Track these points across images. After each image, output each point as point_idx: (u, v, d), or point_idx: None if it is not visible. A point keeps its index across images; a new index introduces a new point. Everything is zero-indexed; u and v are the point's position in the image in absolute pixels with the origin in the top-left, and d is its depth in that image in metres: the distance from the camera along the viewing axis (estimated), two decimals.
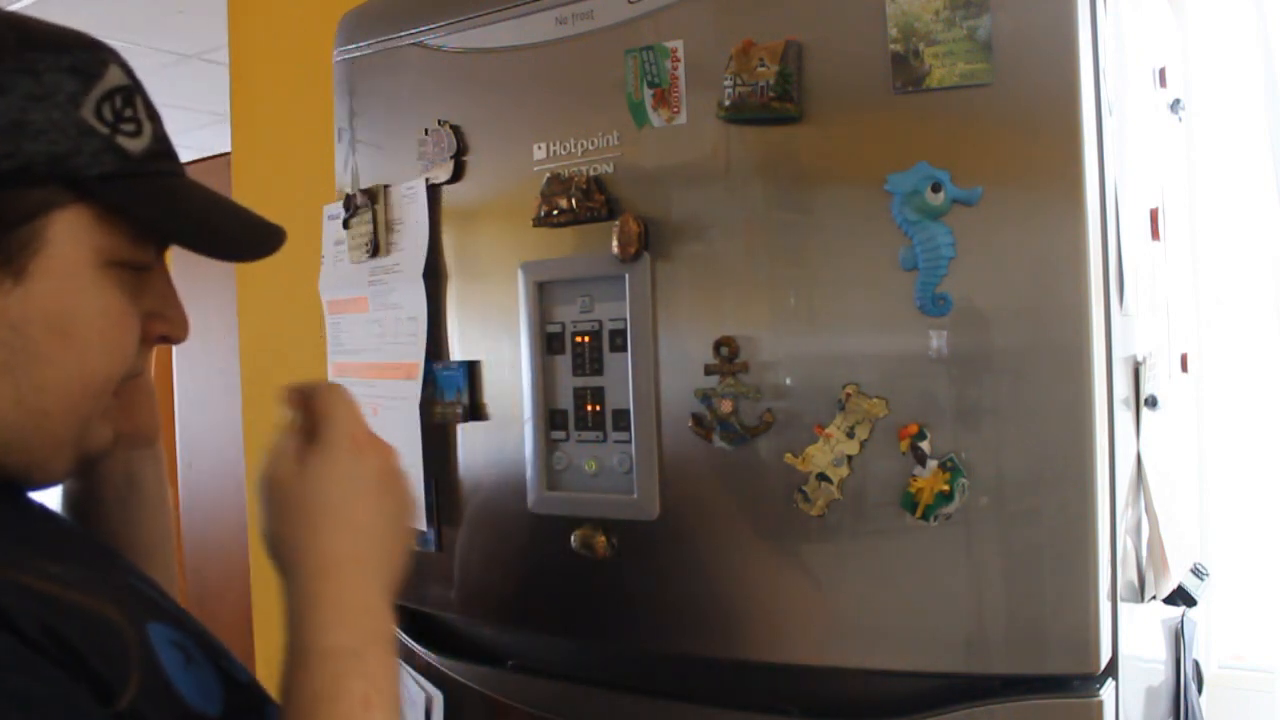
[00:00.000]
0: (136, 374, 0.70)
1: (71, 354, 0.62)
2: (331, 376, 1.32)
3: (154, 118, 0.66)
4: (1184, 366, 1.28)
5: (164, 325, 0.69)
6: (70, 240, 0.61)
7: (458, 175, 1.16)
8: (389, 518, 0.71)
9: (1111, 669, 0.87)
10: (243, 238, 0.70)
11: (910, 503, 0.88)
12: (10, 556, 0.58)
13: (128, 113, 0.63)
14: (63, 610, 0.56)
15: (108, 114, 0.62)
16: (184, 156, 0.71)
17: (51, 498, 0.76)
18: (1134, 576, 0.98)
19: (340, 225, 1.27)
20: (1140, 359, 0.99)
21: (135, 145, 0.63)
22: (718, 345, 0.97)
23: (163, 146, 0.66)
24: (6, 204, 0.59)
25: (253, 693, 0.68)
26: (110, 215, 0.62)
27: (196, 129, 3.68)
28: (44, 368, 0.61)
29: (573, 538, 1.04)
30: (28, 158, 0.58)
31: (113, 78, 0.63)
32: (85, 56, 0.62)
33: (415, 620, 1.25)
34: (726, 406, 0.96)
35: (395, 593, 0.70)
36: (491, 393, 1.15)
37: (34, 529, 0.66)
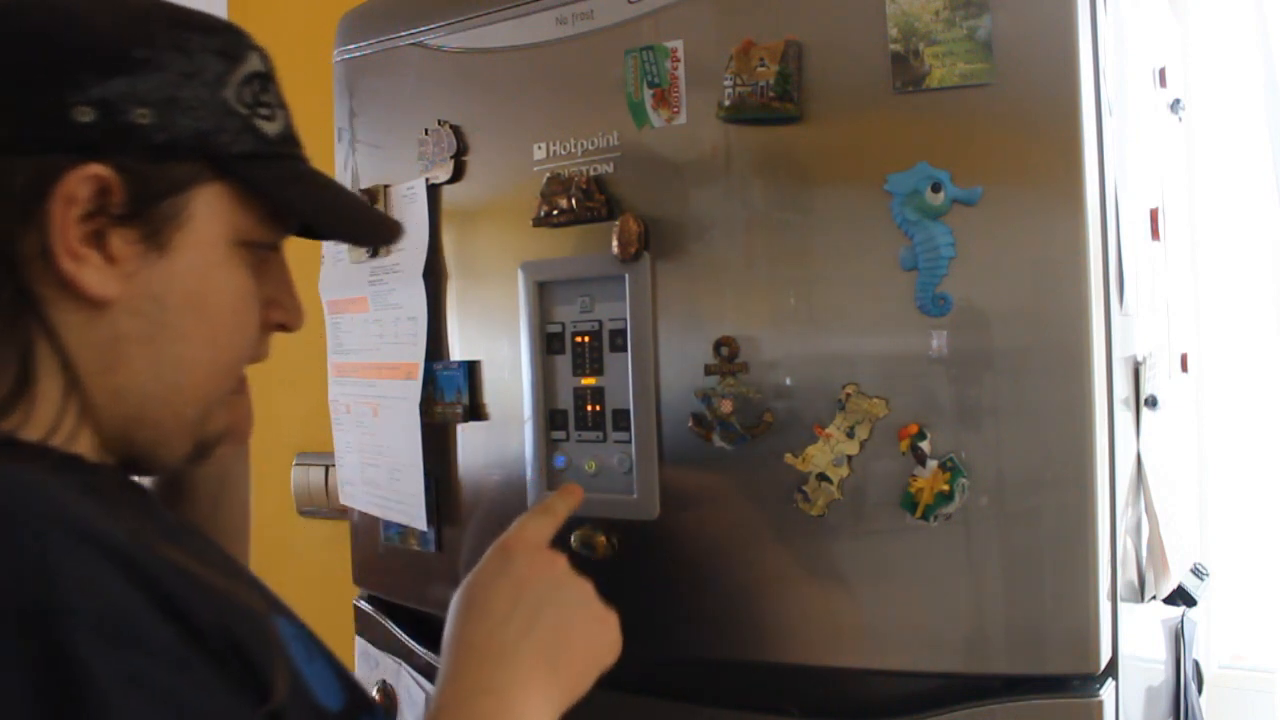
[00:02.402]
0: (258, 360, 0.72)
1: (206, 329, 0.64)
2: (331, 376, 1.32)
3: (284, 105, 0.69)
4: (1184, 366, 1.28)
5: (281, 313, 0.71)
6: (210, 216, 0.63)
7: (458, 175, 1.16)
8: (532, 611, 0.71)
9: (1111, 669, 0.87)
10: (368, 224, 0.74)
11: (910, 503, 0.88)
12: (174, 539, 0.59)
13: (264, 97, 0.66)
14: (225, 602, 0.56)
15: (247, 97, 0.64)
16: None
17: None
18: (1134, 576, 0.98)
19: None
20: (1140, 359, 0.99)
21: (271, 129, 0.66)
22: (718, 345, 0.97)
23: (293, 133, 0.69)
24: (156, 176, 0.61)
25: (361, 689, 0.69)
26: (246, 194, 0.65)
27: None
28: (180, 342, 0.63)
29: (573, 538, 1.04)
30: (177, 133, 0.60)
31: (252, 63, 0.66)
32: (230, 40, 0.65)
33: (415, 620, 1.25)
34: (726, 406, 0.96)
35: (560, 698, 0.70)
36: (491, 393, 1.15)
37: (167, 516, 0.67)
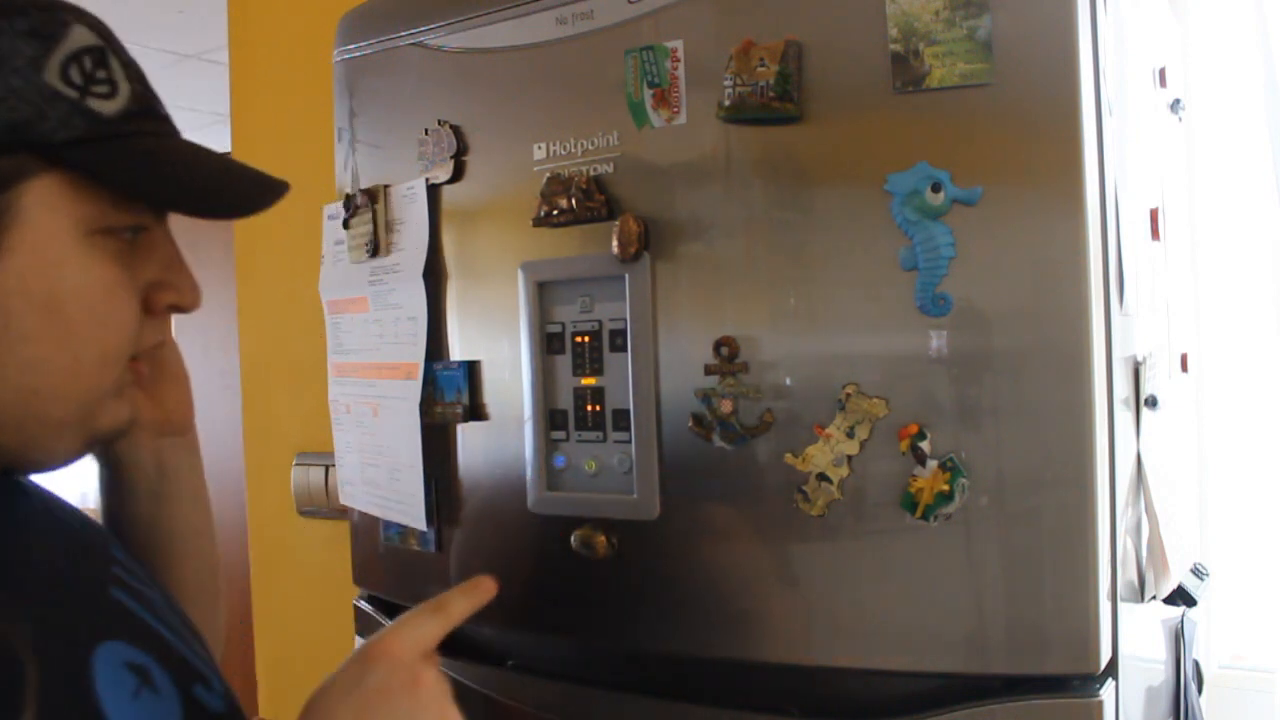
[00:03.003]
0: (150, 346, 0.67)
1: (57, 330, 0.60)
2: (331, 376, 1.32)
3: (134, 78, 0.63)
4: (1184, 366, 1.28)
5: (171, 294, 0.66)
6: (46, 211, 0.59)
7: (458, 175, 1.16)
8: None
9: (1111, 669, 0.87)
10: (232, 194, 0.66)
11: (910, 503, 0.88)
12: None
13: (100, 74, 0.60)
14: None
15: (76, 76, 0.59)
16: None
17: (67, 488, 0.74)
18: (1134, 576, 0.98)
19: (340, 225, 1.27)
20: (1140, 359, 0.99)
21: (109, 107, 0.60)
22: (718, 345, 0.97)
23: (144, 106, 0.63)
24: None
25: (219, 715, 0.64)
26: (86, 182, 0.60)
27: (197, 129, 3.68)
28: (30, 345, 0.59)
29: (573, 538, 1.04)
30: None
31: (78, 38, 0.60)
32: (43, 18, 0.59)
33: None
34: (726, 406, 0.96)
35: None
36: (491, 393, 1.15)
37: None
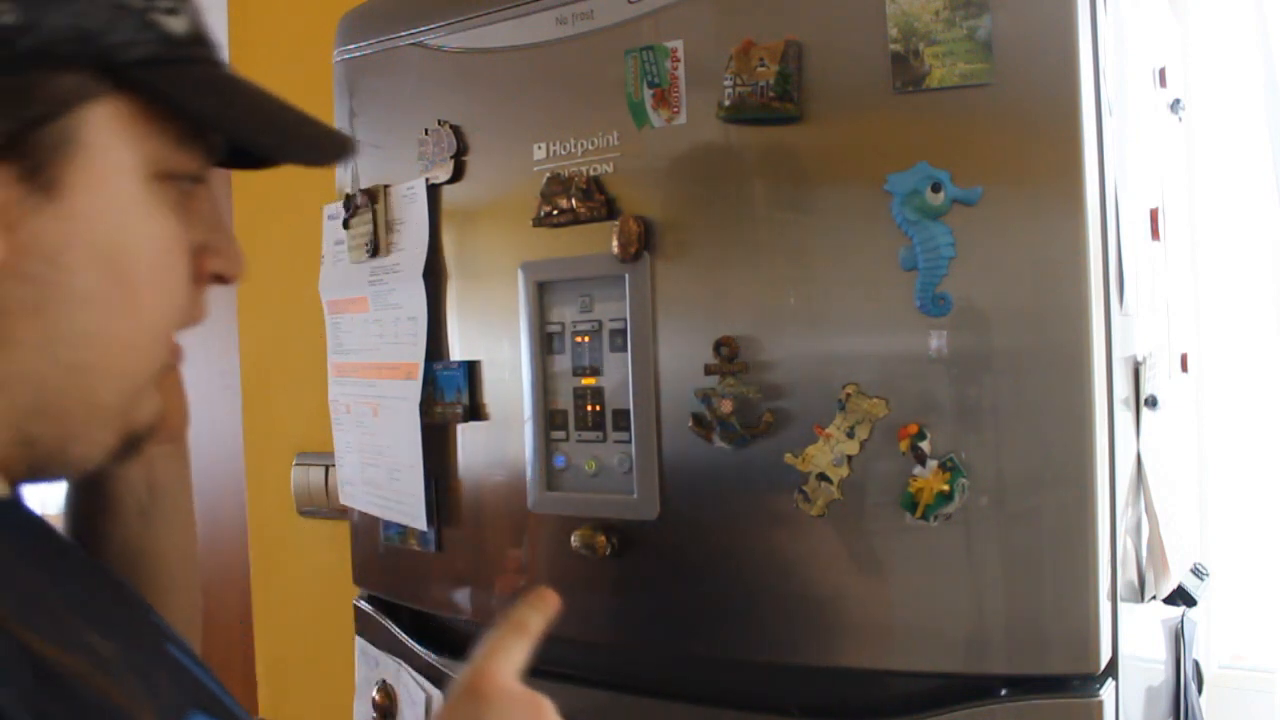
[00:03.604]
0: (193, 323, 0.57)
1: (120, 291, 0.50)
2: (331, 376, 1.32)
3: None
4: (1184, 366, 1.28)
5: (218, 260, 0.56)
6: (112, 143, 0.49)
7: (458, 175, 1.16)
8: None
9: (1111, 669, 0.87)
10: (311, 139, 0.57)
11: (910, 503, 0.88)
12: (44, 612, 0.46)
13: None
14: (81, 701, 0.44)
15: None
16: None
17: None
18: (1134, 576, 0.98)
19: (340, 225, 1.27)
20: (1140, 359, 0.99)
21: (177, 25, 0.51)
22: (718, 345, 0.97)
23: (204, 32, 0.54)
24: (29, 92, 0.46)
25: None
26: (155, 111, 0.50)
27: None
28: (86, 309, 0.49)
29: (573, 538, 1.04)
30: (50, 32, 0.46)
31: None
32: None
33: (415, 620, 1.25)
34: (726, 406, 0.96)
35: None
36: (491, 393, 1.15)
37: (47, 561, 0.52)
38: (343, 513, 1.38)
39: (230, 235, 0.57)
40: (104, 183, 0.49)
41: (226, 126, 0.54)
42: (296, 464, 1.97)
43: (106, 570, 0.62)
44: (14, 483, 0.52)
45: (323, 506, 1.94)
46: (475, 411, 1.16)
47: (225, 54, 0.57)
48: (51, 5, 0.46)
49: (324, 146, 0.58)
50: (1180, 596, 1.07)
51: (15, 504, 0.52)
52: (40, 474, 0.53)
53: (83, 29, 0.47)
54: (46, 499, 0.59)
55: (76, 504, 0.70)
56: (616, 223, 1.01)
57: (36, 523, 0.54)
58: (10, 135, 0.46)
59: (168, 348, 0.55)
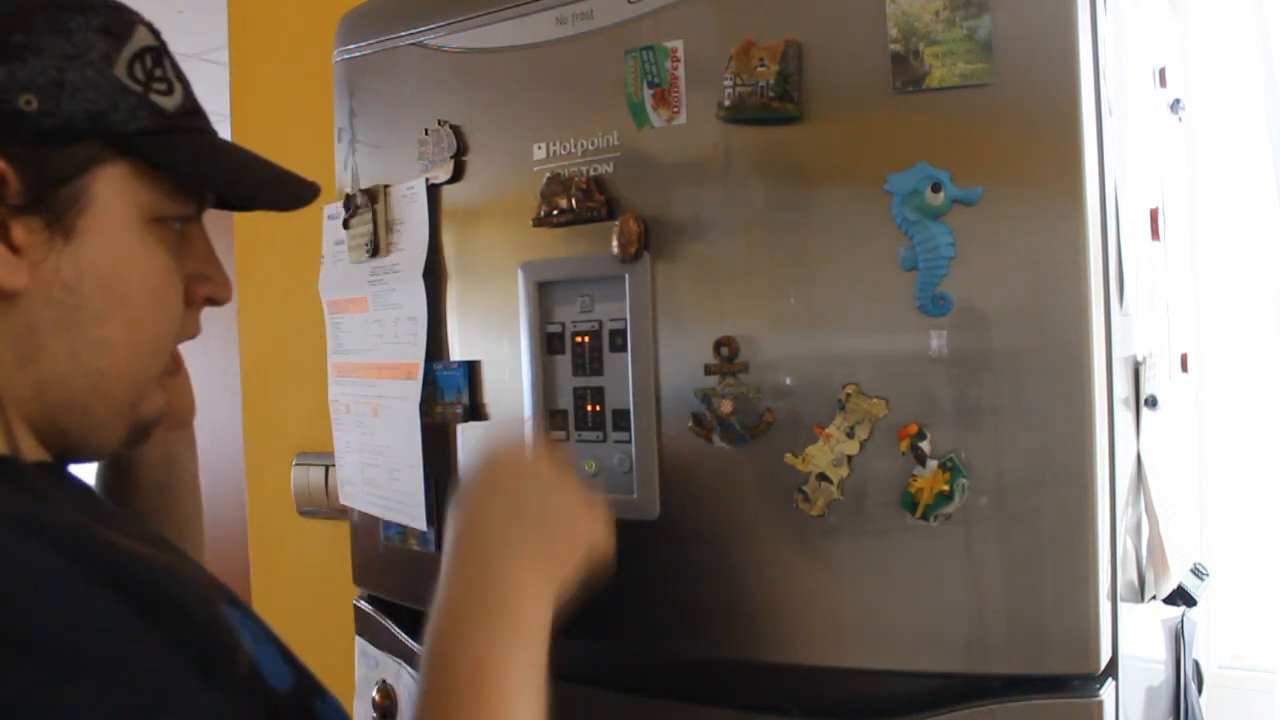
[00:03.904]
0: (188, 337, 0.71)
1: (124, 311, 0.64)
2: (331, 376, 1.32)
3: (182, 79, 0.68)
4: (1184, 366, 1.28)
5: (208, 286, 0.71)
6: (115, 196, 0.63)
7: (458, 175, 1.16)
8: (516, 513, 0.74)
9: (1111, 669, 0.87)
10: (280, 189, 0.72)
11: (910, 503, 0.88)
12: (114, 522, 0.60)
13: (158, 72, 0.65)
14: (173, 583, 0.56)
15: (139, 73, 0.64)
16: None
17: None
18: (1134, 576, 0.98)
19: (340, 225, 1.27)
20: (1140, 359, 0.99)
21: (169, 103, 0.65)
22: (718, 345, 0.97)
23: (193, 105, 0.68)
24: (52, 161, 0.60)
25: (308, 673, 0.69)
26: (150, 171, 0.64)
27: None
28: (98, 326, 0.63)
29: None
30: (67, 115, 0.60)
31: (141, 38, 0.65)
32: (112, 17, 0.64)
33: (415, 620, 1.25)
34: (726, 406, 0.96)
35: (552, 578, 0.74)
36: (491, 393, 1.15)
37: (109, 509, 0.68)
38: (343, 513, 1.38)
39: (219, 266, 0.72)
40: (109, 228, 0.63)
41: (208, 182, 0.69)
42: (296, 464, 1.97)
43: (131, 514, 0.79)
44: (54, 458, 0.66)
45: (323, 506, 1.94)
46: (475, 411, 1.16)
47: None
48: (66, 93, 0.60)
49: (290, 195, 0.73)
50: (1180, 596, 1.07)
51: (61, 466, 0.67)
52: (69, 456, 0.67)
53: (91, 110, 0.61)
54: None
55: (105, 478, 0.87)
56: (616, 223, 1.01)
57: (76, 481, 0.68)
58: (36, 193, 0.60)
59: (167, 356, 0.69)
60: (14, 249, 0.60)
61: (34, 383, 0.62)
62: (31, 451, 0.63)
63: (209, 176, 0.68)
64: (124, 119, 0.62)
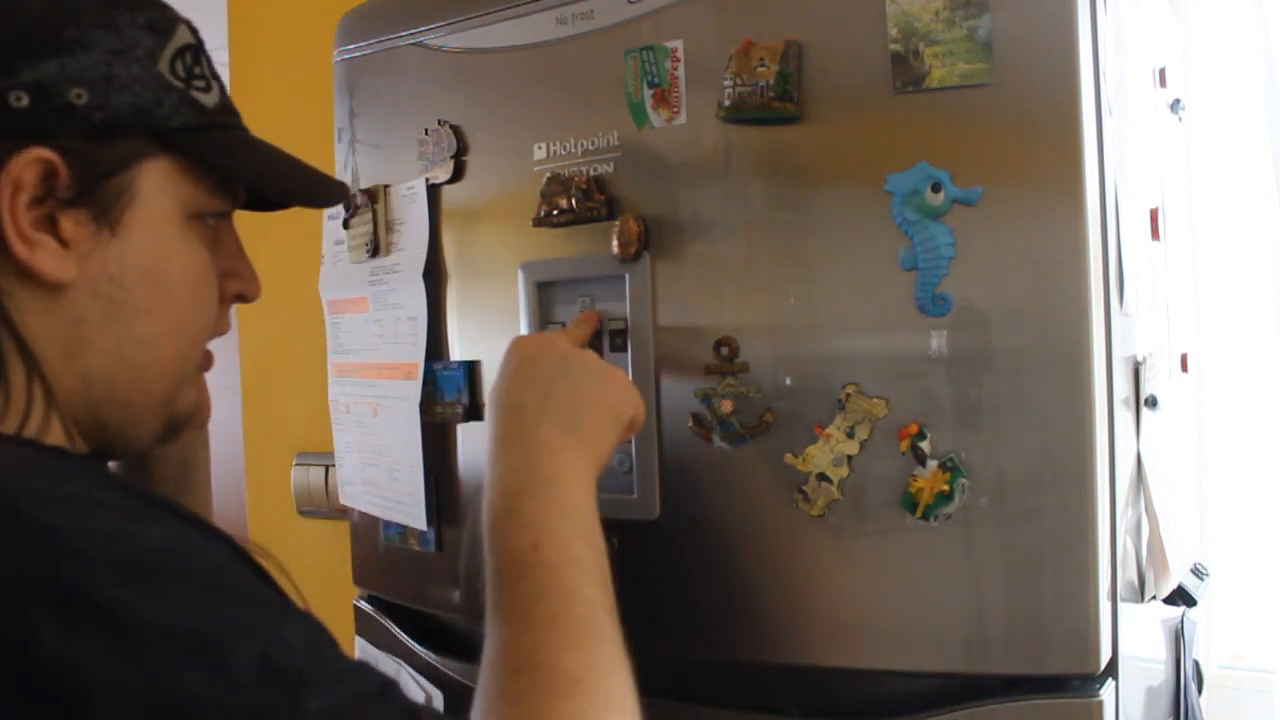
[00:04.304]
0: (220, 334, 0.73)
1: (167, 306, 0.65)
2: (331, 376, 1.32)
3: (218, 77, 0.69)
4: (1184, 366, 1.28)
5: (239, 283, 0.72)
6: (159, 191, 0.64)
7: (458, 175, 1.16)
8: (545, 390, 0.78)
9: (1111, 669, 0.87)
10: (312, 187, 0.74)
11: (910, 503, 0.88)
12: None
13: (197, 69, 0.66)
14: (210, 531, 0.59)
15: (181, 70, 0.65)
16: None
17: None
18: (1134, 576, 0.98)
19: (340, 225, 1.27)
20: (1140, 359, 0.99)
21: (208, 100, 0.66)
22: (718, 345, 0.97)
23: (229, 103, 0.69)
24: (99, 155, 0.61)
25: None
26: (191, 167, 0.65)
27: None
28: (142, 320, 0.64)
29: None
30: (116, 110, 0.61)
31: (182, 35, 0.66)
32: (158, 14, 0.65)
33: (415, 620, 1.25)
34: (726, 406, 0.96)
35: (587, 451, 0.78)
36: None
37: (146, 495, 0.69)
38: (343, 513, 1.38)
39: (249, 263, 0.73)
40: (153, 222, 0.64)
41: (247, 179, 0.70)
42: (296, 464, 1.97)
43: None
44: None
45: (323, 506, 1.94)
46: (475, 411, 1.16)
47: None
48: (114, 88, 0.61)
49: (323, 192, 0.75)
50: (1180, 596, 1.07)
51: (98, 458, 0.68)
52: (104, 453, 0.68)
53: (138, 105, 0.62)
54: None
55: (124, 476, 0.86)
56: (616, 223, 1.01)
57: (107, 472, 0.68)
58: (84, 186, 0.60)
59: (203, 352, 0.70)
60: (63, 241, 0.60)
61: (79, 376, 0.62)
62: (69, 444, 0.64)
63: (248, 173, 0.69)
64: (168, 115, 0.63)
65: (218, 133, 0.67)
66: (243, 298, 0.73)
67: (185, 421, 0.71)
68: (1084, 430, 0.84)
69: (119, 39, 0.61)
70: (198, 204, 0.66)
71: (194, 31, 0.67)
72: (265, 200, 0.75)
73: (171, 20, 0.65)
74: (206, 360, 0.74)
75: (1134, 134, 1.02)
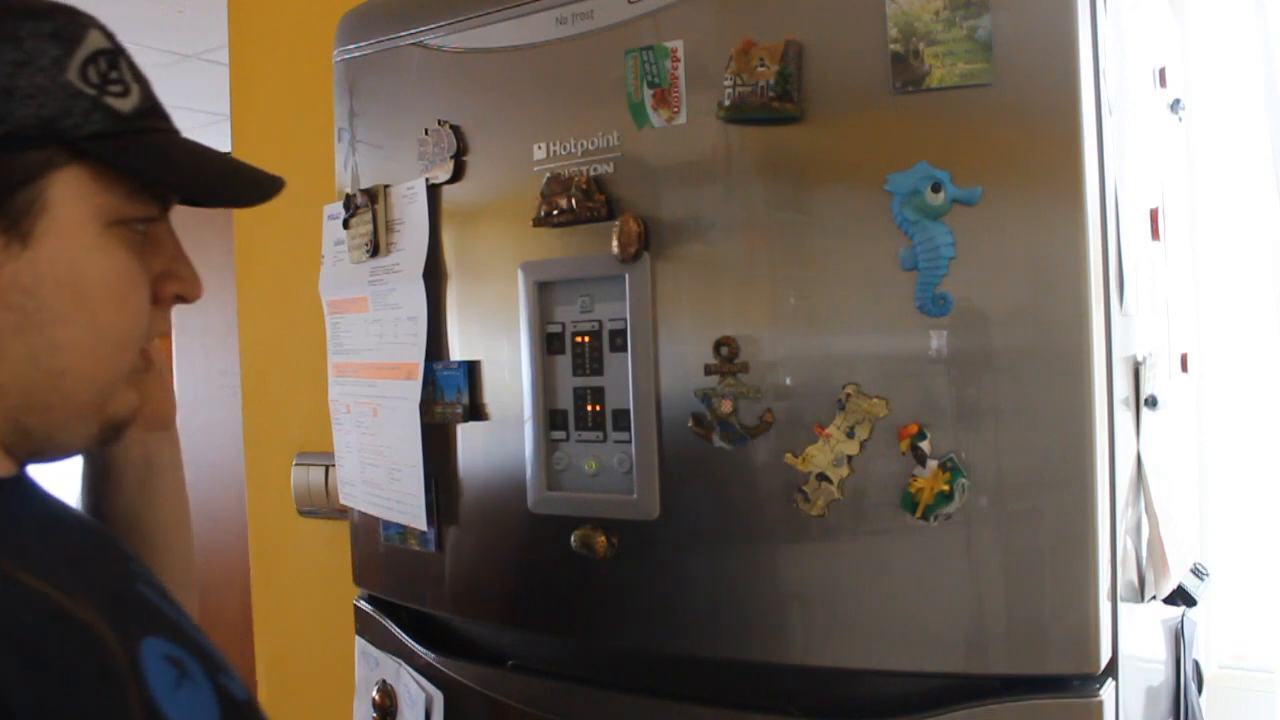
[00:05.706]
0: (157, 335, 0.72)
1: (85, 312, 0.64)
2: (331, 376, 1.32)
3: (141, 79, 0.67)
4: (1184, 366, 1.28)
5: (177, 284, 0.71)
6: (71, 200, 0.63)
7: (458, 175, 1.16)
8: None
9: (1111, 669, 0.87)
10: (238, 186, 0.72)
11: (910, 503, 0.88)
12: (25, 552, 0.59)
13: (113, 75, 0.65)
14: (55, 616, 0.56)
15: (93, 76, 0.64)
16: None
17: (68, 490, 0.77)
18: (1134, 576, 0.98)
19: (340, 225, 1.27)
20: (1140, 359, 0.99)
21: (124, 105, 0.65)
22: (718, 345, 0.97)
23: (152, 105, 0.68)
24: (5, 167, 0.60)
25: (250, 712, 0.67)
26: (106, 173, 0.64)
27: (196, 129, 3.68)
28: (59, 328, 0.63)
29: (573, 538, 1.04)
30: (18, 122, 0.60)
31: (94, 41, 0.65)
32: (64, 22, 0.64)
33: (415, 620, 1.25)
34: (726, 406, 0.96)
35: None
36: (491, 393, 1.15)
37: (41, 521, 0.67)
38: (343, 513, 1.38)
39: (188, 263, 0.72)
40: (66, 232, 0.63)
41: (165, 182, 0.68)
42: (296, 464, 1.97)
43: (94, 527, 0.75)
44: (20, 463, 0.66)
45: (323, 506, 1.93)
46: (475, 411, 1.16)
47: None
48: (16, 100, 0.60)
49: (253, 190, 0.72)
50: (1180, 596, 1.07)
51: (19, 478, 0.66)
52: (37, 457, 0.67)
53: (43, 116, 0.61)
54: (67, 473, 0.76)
55: (88, 477, 0.86)
56: (616, 223, 1.01)
57: (36, 492, 0.68)
58: None
59: (134, 355, 0.69)
60: None
61: None
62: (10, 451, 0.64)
63: (166, 176, 0.68)
64: (77, 123, 0.62)
65: (135, 137, 0.65)
66: (182, 298, 0.72)
67: (125, 424, 0.70)
68: (1084, 430, 0.84)
69: (20, 50, 0.61)
70: (117, 210, 0.65)
71: (109, 36, 0.66)
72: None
73: (81, 26, 0.64)
74: (144, 361, 0.73)
75: (1134, 134, 1.02)
